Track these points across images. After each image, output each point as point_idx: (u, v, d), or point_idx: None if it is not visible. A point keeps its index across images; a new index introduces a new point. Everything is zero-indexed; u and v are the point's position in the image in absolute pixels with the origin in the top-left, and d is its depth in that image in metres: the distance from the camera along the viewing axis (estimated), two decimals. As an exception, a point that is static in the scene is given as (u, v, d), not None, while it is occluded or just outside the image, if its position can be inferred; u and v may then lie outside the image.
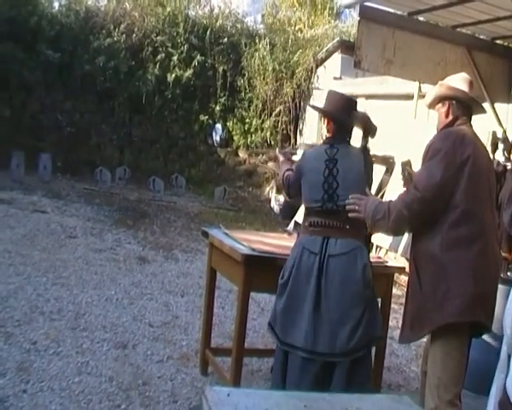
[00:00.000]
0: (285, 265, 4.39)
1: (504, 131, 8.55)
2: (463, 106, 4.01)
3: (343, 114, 4.42)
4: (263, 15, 22.87)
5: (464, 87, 4.02)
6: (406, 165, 4.44)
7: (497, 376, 2.93)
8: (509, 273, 5.86)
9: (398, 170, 10.69)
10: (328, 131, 4.50)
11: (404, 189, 4.10)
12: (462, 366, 3.80)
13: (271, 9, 23.26)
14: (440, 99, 4.07)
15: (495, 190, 4.20)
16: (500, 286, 3.98)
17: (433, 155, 3.76)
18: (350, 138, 4.48)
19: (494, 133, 7.90)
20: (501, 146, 7.97)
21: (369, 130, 4.53)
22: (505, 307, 4.86)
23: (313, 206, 4.35)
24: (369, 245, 4.56)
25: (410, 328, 3.88)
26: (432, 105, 4.17)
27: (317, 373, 4.13)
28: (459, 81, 4.07)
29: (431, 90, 4.21)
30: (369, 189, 4.32)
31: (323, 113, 4.55)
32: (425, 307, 3.74)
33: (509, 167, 7.14)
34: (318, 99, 16.99)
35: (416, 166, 4.34)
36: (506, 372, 2.60)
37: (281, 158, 5.08)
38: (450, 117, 4.00)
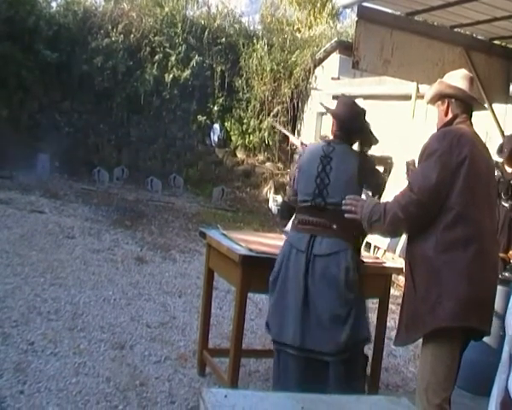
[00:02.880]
0: (276, 262, 4.45)
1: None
2: (463, 104, 3.95)
3: (350, 119, 4.48)
4: (262, 15, 22.84)
5: (464, 85, 3.96)
6: (410, 164, 4.43)
7: (498, 376, 2.91)
8: (506, 274, 5.84)
9: (396, 170, 10.69)
10: (331, 132, 4.58)
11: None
12: (453, 370, 3.74)
13: (270, 8, 23.23)
14: (440, 97, 4.01)
15: (495, 191, 4.15)
16: (498, 287, 3.96)
17: (429, 156, 3.70)
18: (350, 143, 4.50)
19: None
20: None
21: (367, 142, 4.58)
22: (505, 307, 4.85)
23: (305, 199, 4.41)
24: (359, 245, 4.56)
25: (405, 331, 3.84)
26: (431, 102, 4.12)
27: (312, 372, 4.20)
28: (459, 79, 4.01)
29: (430, 88, 4.16)
30: (375, 192, 4.41)
31: (330, 113, 4.60)
32: (419, 311, 3.70)
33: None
34: (316, 99, 17.03)
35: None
36: (508, 373, 2.59)
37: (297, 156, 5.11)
38: (450, 115, 3.94)
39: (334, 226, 4.26)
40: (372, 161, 4.53)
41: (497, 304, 3.87)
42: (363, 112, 4.59)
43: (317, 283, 4.20)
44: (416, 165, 4.01)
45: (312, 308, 4.21)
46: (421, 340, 3.93)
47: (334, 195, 4.26)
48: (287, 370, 4.29)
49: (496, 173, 6.03)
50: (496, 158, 6.81)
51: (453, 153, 3.66)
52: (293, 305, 4.24)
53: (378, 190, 4.55)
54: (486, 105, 8.30)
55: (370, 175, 4.48)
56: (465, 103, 3.96)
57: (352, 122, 4.47)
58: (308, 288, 4.22)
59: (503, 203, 6.51)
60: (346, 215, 4.06)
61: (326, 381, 4.18)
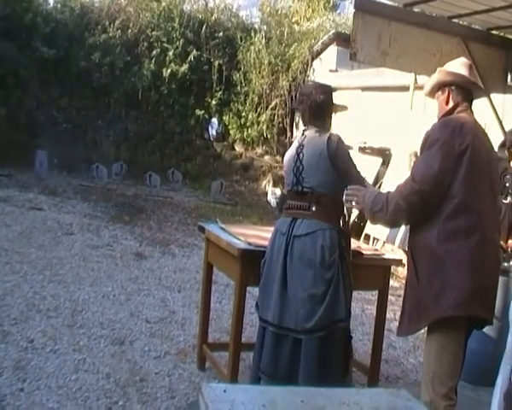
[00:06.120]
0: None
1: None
2: (463, 91, 3.93)
3: (300, 102, 4.80)
4: (261, 4, 22.71)
5: (463, 71, 3.94)
6: (413, 155, 4.43)
7: (502, 367, 2.91)
8: (505, 264, 5.82)
9: (394, 161, 10.69)
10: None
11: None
12: (458, 359, 3.75)
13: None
14: (440, 86, 3.99)
15: (497, 180, 4.13)
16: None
17: (431, 145, 3.69)
18: (322, 125, 4.71)
19: None
20: None
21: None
22: (504, 297, 4.85)
23: (288, 189, 4.74)
24: (347, 228, 4.70)
25: (408, 321, 3.84)
26: (431, 93, 4.09)
27: (290, 349, 4.42)
28: (458, 66, 4.00)
29: (430, 79, 4.14)
30: (351, 175, 4.52)
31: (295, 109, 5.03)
32: (422, 301, 3.70)
33: None
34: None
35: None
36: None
37: None
38: (451, 104, 3.92)
39: (314, 208, 4.49)
40: (338, 142, 4.60)
41: (498, 294, 3.87)
42: (309, 86, 5.01)
43: (295, 263, 4.40)
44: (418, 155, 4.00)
45: (290, 288, 4.41)
46: (421, 331, 3.93)
47: (309, 179, 4.53)
48: (266, 345, 4.53)
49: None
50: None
51: (455, 142, 3.64)
52: (274, 285, 4.48)
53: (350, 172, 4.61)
54: (485, 95, 8.28)
55: (340, 156, 4.58)
56: (466, 90, 3.94)
57: (302, 102, 4.76)
58: (287, 268, 4.44)
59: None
60: (347, 205, 4.18)
61: (298, 358, 4.39)
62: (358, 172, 4.63)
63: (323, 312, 4.32)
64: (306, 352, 4.35)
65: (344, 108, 4.95)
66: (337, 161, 4.50)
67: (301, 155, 4.59)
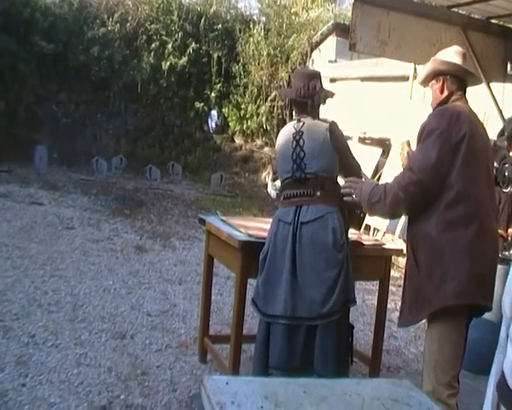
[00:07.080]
0: (266, 240, 4.59)
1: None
2: (458, 80, 3.93)
3: (294, 91, 4.75)
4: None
5: (457, 60, 3.94)
6: (406, 145, 4.43)
7: (496, 356, 2.91)
8: (506, 253, 5.82)
9: (394, 152, 10.67)
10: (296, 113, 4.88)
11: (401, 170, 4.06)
12: (460, 348, 3.76)
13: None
14: (434, 75, 3.98)
15: (493, 168, 4.14)
16: (498, 266, 3.95)
17: (428, 135, 3.69)
18: (316, 113, 4.70)
19: None
20: None
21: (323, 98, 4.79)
22: (503, 286, 4.84)
23: (285, 177, 4.62)
24: (345, 210, 4.63)
25: (409, 312, 3.84)
26: (425, 82, 4.09)
27: (303, 339, 4.34)
28: (452, 54, 3.99)
29: (424, 67, 4.14)
30: (347, 161, 4.61)
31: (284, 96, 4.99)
32: (422, 291, 3.70)
33: None
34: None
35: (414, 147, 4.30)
36: (505, 353, 2.59)
37: None
38: (446, 93, 3.92)
39: (318, 193, 4.45)
40: (338, 130, 4.67)
41: (497, 283, 3.86)
42: (310, 76, 4.79)
43: (305, 249, 4.34)
44: (414, 146, 3.99)
45: (301, 276, 4.34)
46: (423, 321, 3.92)
47: (312, 165, 4.48)
48: (276, 340, 4.40)
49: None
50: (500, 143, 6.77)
51: (452, 131, 3.64)
52: (283, 276, 4.38)
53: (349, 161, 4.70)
54: (484, 84, 8.26)
55: (341, 141, 4.66)
56: (460, 79, 3.94)
57: (300, 92, 4.66)
58: (296, 257, 4.36)
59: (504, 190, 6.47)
60: (344, 198, 4.13)
61: (311, 346, 4.34)
62: (354, 158, 4.72)
63: (338, 295, 4.29)
64: (323, 337, 4.30)
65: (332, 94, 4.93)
66: (339, 146, 4.55)
67: (301, 141, 4.53)
